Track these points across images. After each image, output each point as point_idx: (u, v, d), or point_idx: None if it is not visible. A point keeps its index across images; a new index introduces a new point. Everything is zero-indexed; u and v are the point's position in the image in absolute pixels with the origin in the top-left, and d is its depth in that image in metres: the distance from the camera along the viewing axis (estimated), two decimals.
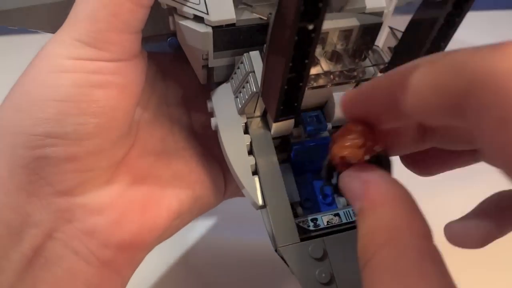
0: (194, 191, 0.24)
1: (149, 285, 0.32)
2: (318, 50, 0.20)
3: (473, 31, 0.60)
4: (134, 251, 0.22)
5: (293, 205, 0.21)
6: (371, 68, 0.20)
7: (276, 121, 0.19)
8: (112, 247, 0.21)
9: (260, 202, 0.21)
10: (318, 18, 0.14)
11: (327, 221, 0.21)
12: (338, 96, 0.21)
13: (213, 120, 0.22)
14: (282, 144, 0.23)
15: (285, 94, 0.17)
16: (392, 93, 0.14)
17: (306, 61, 0.15)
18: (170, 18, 0.21)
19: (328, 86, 0.20)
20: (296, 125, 0.22)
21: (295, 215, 0.21)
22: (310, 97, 0.21)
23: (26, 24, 0.27)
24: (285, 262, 0.19)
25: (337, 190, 0.19)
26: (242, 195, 0.27)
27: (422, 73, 0.13)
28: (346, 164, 0.18)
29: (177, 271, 0.33)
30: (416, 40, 0.16)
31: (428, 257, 0.13)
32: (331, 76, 0.20)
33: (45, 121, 0.18)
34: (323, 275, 0.18)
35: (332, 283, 0.18)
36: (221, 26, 0.20)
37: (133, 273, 0.23)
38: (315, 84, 0.20)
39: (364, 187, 0.15)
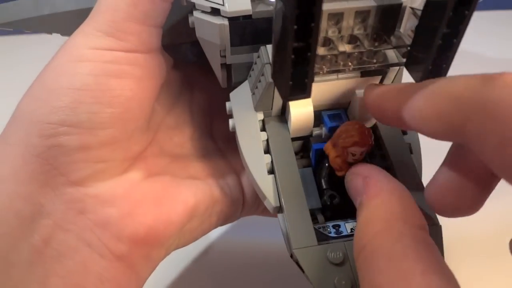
0: (212, 192, 0.23)
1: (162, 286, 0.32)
2: (335, 35, 0.19)
3: (474, 31, 0.60)
4: (149, 246, 0.21)
5: (314, 212, 0.20)
6: (393, 54, 0.19)
7: (287, 99, 0.18)
8: (126, 240, 0.20)
9: (275, 203, 0.19)
10: None
11: (351, 228, 0.19)
12: (362, 94, 0.20)
13: (231, 121, 0.22)
14: (303, 148, 0.22)
15: (293, 65, 0.15)
16: (398, 109, 0.16)
17: (312, 24, 0.14)
18: (190, 16, 0.22)
19: (347, 70, 0.19)
20: (316, 125, 0.21)
21: (315, 222, 0.19)
22: (331, 93, 0.21)
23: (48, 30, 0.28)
24: (300, 267, 0.17)
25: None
26: (260, 213, 0.27)
27: (423, 101, 0.15)
28: (346, 166, 0.19)
29: (190, 272, 0.33)
30: (433, 21, 0.16)
31: (423, 244, 0.14)
32: (349, 60, 0.19)
33: (60, 109, 0.19)
34: (343, 282, 0.16)
35: None
36: (237, 18, 0.20)
37: (150, 273, 0.22)
38: (332, 69, 0.19)
39: (364, 182, 0.16)
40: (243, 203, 0.25)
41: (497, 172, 0.14)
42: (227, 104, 0.23)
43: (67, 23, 0.26)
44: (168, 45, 0.25)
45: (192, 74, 0.27)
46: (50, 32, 0.28)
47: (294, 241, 0.18)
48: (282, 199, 0.19)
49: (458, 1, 0.15)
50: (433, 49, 0.16)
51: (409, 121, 0.16)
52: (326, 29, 0.19)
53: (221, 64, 0.23)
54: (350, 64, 0.19)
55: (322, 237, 0.18)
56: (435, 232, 0.18)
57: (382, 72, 0.20)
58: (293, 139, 0.21)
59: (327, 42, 0.19)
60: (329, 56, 0.18)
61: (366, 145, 0.18)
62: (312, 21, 0.14)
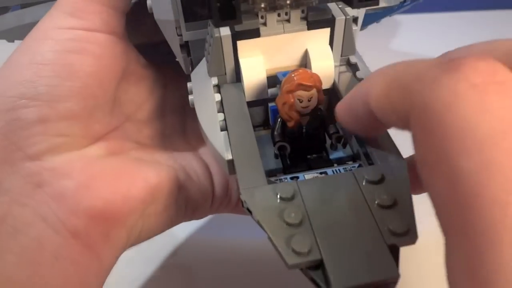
0: (177, 175, 0.23)
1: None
2: None
3: (473, 31, 0.59)
4: (107, 223, 0.20)
5: (276, 174, 0.19)
6: None
7: (217, 25, 0.18)
8: (82, 214, 0.19)
9: (227, 156, 0.18)
10: None
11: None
12: (315, 50, 0.20)
13: (190, 97, 0.22)
14: (267, 119, 0.22)
15: None
16: (365, 104, 0.16)
17: None
18: (148, 1, 0.22)
19: (285, 7, 0.18)
20: (273, 85, 0.21)
21: (273, 176, 0.18)
22: (282, 50, 0.20)
23: None
24: (249, 211, 0.16)
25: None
26: (233, 209, 0.26)
27: (379, 86, 0.15)
28: (295, 115, 0.18)
29: (169, 270, 0.32)
30: None
31: None
32: None
33: (19, 83, 0.19)
34: (292, 214, 0.15)
35: (303, 224, 0.15)
36: None
37: (114, 259, 0.21)
38: (270, 5, 0.18)
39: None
40: (213, 194, 0.24)
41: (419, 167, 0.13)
42: (188, 84, 0.23)
43: None
44: (145, 44, 0.26)
45: (167, 74, 0.27)
46: None
47: (242, 181, 0.16)
48: (233, 150, 0.18)
49: None
50: None
51: (376, 112, 0.15)
52: None
53: (181, 46, 0.23)
54: (288, 2, 0.18)
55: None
56: (401, 167, 0.16)
57: (329, 22, 0.20)
58: (252, 104, 0.21)
59: None
60: None
61: (311, 87, 0.18)
62: None
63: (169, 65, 0.27)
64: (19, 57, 0.20)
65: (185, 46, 0.23)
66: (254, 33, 0.19)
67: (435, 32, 0.58)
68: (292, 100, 0.18)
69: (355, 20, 0.23)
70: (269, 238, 0.15)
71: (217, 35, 0.19)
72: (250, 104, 0.21)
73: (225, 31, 0.19)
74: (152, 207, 0.22)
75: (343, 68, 0.22)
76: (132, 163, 0.22)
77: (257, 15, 0.19)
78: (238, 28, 0.19)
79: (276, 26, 0.20)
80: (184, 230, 0.34)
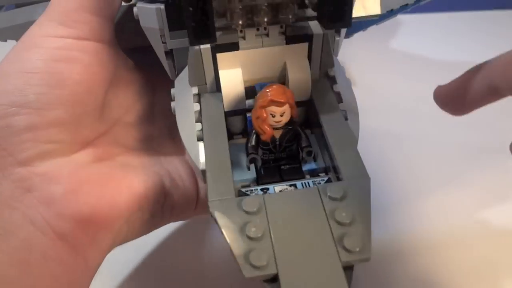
0: (163, 183, 0.23)
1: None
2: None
3: (473, 31, 0.59)
4: (93, 227, 0.21)
5: (249, 184, 0.20)
6: (309, 11, 0.19)
7: (192, 43, 0.18)
8: (69, 218, 0.20)
9: (202, 166, 0.19)
10: None
11: (280, 190, 0.18)
12: (293, 64, 0.21)
13: (172, 104, 0.22)
14: (246, 128, 0.22)
15: (192, 8, 0.16)
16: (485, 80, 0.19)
17: None
18: (134, 9, 0.22)
19: (263, 25, 0.19)
20: (251, 96, 0.21)
21: (246, 187, 0.19)
22: (261, 63, 0.21)
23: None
24: (215, 221, 0.17)
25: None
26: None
27: (504, 57, 0.18)
28: (269, 130, 0.19)
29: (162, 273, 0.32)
30: None
31: None
32: (262, 16, 0.19)
33: (10, 91, 0.20)
34: (254, 229, 0.15)
35: (263, 239, 0.15)
36: (172, 1, 0.20)
37: (99, 261, 0.22)
38: (247, 22, 0.19)
39: None
40: (197, 198, 0.25)
41: None
42: (172, 90, 0.23)
43: None
44: (132, 50, 0.27)
45: (156, 77, 0.27)
46: None
47: (211, 193, 0.17)
48: (207, 160, 0.19)
49: None
50: None
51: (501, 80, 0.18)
52: None
53: (166, 53, 0.23)
54: (265, 19, 0.19)
55: (244, 196, 0.18)
56: (364, 185, 0.17)
57: (307, 38, 0.20)
58: (231, 114, 0.21)
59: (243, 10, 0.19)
60: (240, 9, 0.19)
61: (283, 104, 0.18)
62: None
63: (157, 69, 0.27)
64: (9, 66, 0.21)
65: (169, 53, 0.23)
66: (233, 47, 0.20)
67: (435, 32, 0.58)
68: (265, 115, 0.18)
69: (337, 30, 0.23)
70: (230, 250, 0.15)
71: (196, 48, 0.20)
72: (229, 113, 0.21)
73: (205, 45, 0.20)
74: (138, 213, 0.22)
75: (322, 81, 0.22)
76: (118, 170, 0.22)
77: (236, 31, 0.20)
78: (218, 41, 0.19)
79: (255, 40, 0.20)
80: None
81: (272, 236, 0.16)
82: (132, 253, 0.31)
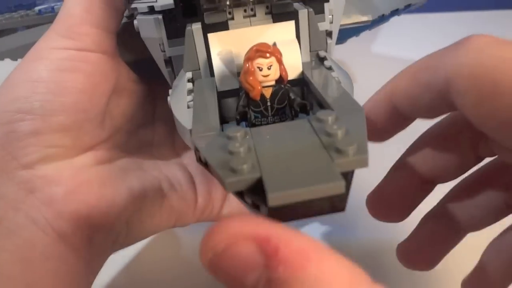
0: (161, 185, 0.24)
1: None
2: None
3: (473, 31, 0.59)
4: (92, 228, 0.22)
5: None
6: None
7: (184, 21, 0.19)
8: (68, 217, 0.21)
9: (190, 125, 0.17)
10: None
11: None
12: (282, 42, 0.20)
13: (168, 98, 0.22)
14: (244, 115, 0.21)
15: None
16: (389, 104, 0.19)
17: None
18: (134, 21, 0.24)
19: (249, 4, 0.20)
20: None
21: None
22: (250, 42, 0.20)
23: None
24: (200, 159, 0.15)
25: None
26: (215, 218, 0.27)
27: (404, 78, 0.18)
28: (256, 84, 0.18)
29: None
30: None
31: None
32: None
33: (16, 99, 0.21)
34: (237, 144, 0.14)
35: (246, 152, 0.13)
36: (170, 11, 0.22)
37: (100, 263, 0.23)
38: (234, 2, 0.19)
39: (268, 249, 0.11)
40: (196, 203, 0.26)
41: (477, 125, 0.16)
42: (170, 91, 0.23)
43: None
44: (136, 61, 0.28)
45: (157, 88, 0.28)
46: None
47: (195, 131, 0.16)
48: (193, 115, 0.17)
49: None
50: None
51: (401, 107, 0.18)
52: None
53: (165, 61, 0.24)
54: None
55: None
56: (358, 114, 0.16)
57: (292, 15, 0.21)
58: (225, 95, 0.21)
59: None
60: None
61: (269, 54, 0.18)
62: None
63: (158, 80, 0.28)
64: (16, 76, 0.22)
65: (169, 61, 0.24)
66: (223, 26, 0.20)
67: (435, 32, 0.59)
68: (252, 68, 0.18)
69: (329, 34, 0.24)
70: (209, 166, 0.14)
71: (188, 28, 0.20)
72: (223, 94, 0.21)
73: (196, 25, 0.20)
74: (136, 215, 0.23)
75: (314, 63, 0.22)
76: (118, 172, 0.23)
77: (225, 11, 0.20)
78: (207, 21, 0.20)
79: (243, 20, 0.21)
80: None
81: (257, 151, 0.14)
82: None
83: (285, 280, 0.10)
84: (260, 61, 0.18)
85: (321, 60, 0.22)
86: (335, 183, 0.12)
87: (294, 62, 0.20)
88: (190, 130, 0.17)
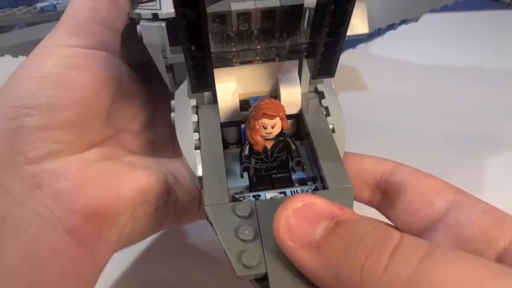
0: (166, 180, 0.24)
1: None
2: (245, 29, 0.21)
3: (473, 31, 0.60)
4: (100, 221, 0.22)
5: (243, 191, 0.21)
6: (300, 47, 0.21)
7: (194, 92, 0.20)
8: (77, 212, 0.21)
9: (199, 173, 0.20)
10: (200, 11, 0.16)
11: (270, 197, 0.20)
12: (284, 79, 0.22)
13: (172, 115, 0.23)
14: (241, 137, 0.23)
15: (193, 69, 0.19)
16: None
17: (203, 42, 0.17)
18: (138, 27, 0.24)
19: (255, 62, 0.21)
20: (245, 109, 0.22)
21: (239, 193, 0.21)
22: (255, 78, 0.22)
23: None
24: (211, 224, 0.18)
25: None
26: None
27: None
28: (261, 140, 0.20)
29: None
30: (321, 16, 0.18)
31: None
32: (256, 54, 0.21)
33: (24, 94, 0.21)
34: (246, 232, 0.17)
35: (254, 240, 0.17)
36: (173, 20, 0.22)
37: (107, 257, 0.23)
38: (242, 60, 0.21)
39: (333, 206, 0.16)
40: (200, 199, 0.26)
41: None
42: (172, 102, 0.24)
43: None
44: (137, 62, 0.28)
45: (158, 90, 0.29)
46: None
47: (207, 198, 0.19)
48: (203, 168, 0.20)
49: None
50: (319, 54, 0.18)
51: None
52: (237, 25, 0.21)
53: (166, 67, 0.25)
54: (258, 58, 0.21)
55: (237, 201, 0.19)
56: (347, 193, 0.19)
57: (297, 56, 0.21)
58: (227, 125, 0.22)
59: (239, 36, 0.21)
60: (236, 52, 0.20)
61: (274, 117, 0.19)
62: (202, 40, 0.17)
63: (158, 82, 0.29)
64: (23, 72, 0.22)
65: (170, 67, 0.25)
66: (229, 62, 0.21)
67: (435, 32, 0.59)
68: (257, 126, 0.20)
69: None
70: (224, 251, 0.17)
71: None
72: (225, 124, 0.22)
73: None
74: (142, 207, 0.23)
75: (312, 95, 0.24)
76: (124, 167, 0.24)
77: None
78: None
79: (249, 57, 0.21)
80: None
81: (263, 238, 0.17)
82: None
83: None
84: (265, 121, 0.20)
85: (320, 95, 0.23)
86: None
87: (294, 100, 0.22)
88: (199, 178, 0.20)
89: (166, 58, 0.24)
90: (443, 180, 0.22)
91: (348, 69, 0.52)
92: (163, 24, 0.22)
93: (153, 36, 0.23)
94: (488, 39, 0.58)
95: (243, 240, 0.17)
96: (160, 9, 0.22)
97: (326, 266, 0.15)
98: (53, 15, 0.32)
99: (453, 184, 0.21)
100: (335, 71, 0.20)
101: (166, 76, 0.25)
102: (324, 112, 0.23)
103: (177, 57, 0.23)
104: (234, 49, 0.20)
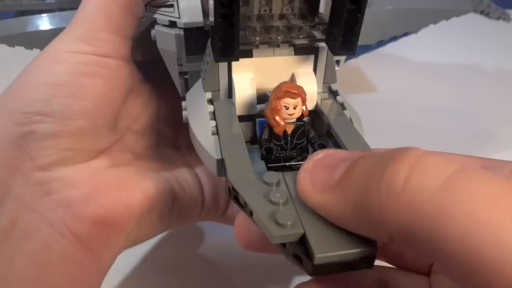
0: (172, 187, 0.25)
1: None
2: (266, 13, 0.21)
3: (473, 31, 0.61)
4: (109, 229, 0.22)
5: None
6: (317, 32, 0.21)
7: (217, 60, 0.19)
8: (86, 220, 0.21)
9: (217, 155, 0.19)
10: None
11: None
12: (300, 74, 0.22)
13: (184, 113, 0.23)
14: (255, 137, 0.23)
15: (221, 29, 0.18)
16: None
17: (233, 10, 0.17)
18: (152, 31, 0.24)
19: (277, 42, 0.21)
20: (261, 102, 0.22)
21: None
22: (271, 71, 0.22)
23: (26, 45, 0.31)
24: (236, 197, 0.17)
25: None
26: (219, 219, 0.28)
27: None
28: (282, 121, 0.19)
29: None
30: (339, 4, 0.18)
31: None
32: (277, 34, 0.21)
33: (35, 100, 0.21)
34: (278, 194, 0.16)
35: (287, 204, 0.16)
36: (191, 29, 0.22)
37: (112, 261, 0.23)
38: (264, 40, 0.21)
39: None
40: (202, 203, 0.27)
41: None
42: (183, 102, 0.24)
43: (48, 40, 0.29)
44: (140, 62, 0.28)
45: (160, 90, 0.29)
46: (31, 48, 0.31)
47: (231, 172, 0.18)
48: (223, 150, 0.19)
49: None
50: (342, 23, 0.18)
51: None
52: (259, 8, 0.21)
53: (179, 73, 0.24)
54: (279, 37, 0.21)
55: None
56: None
57: (313, 50, 0.22)
58: (242, 119, 0.22)
59: (260, 18, 0.21)
60: (259, 29, 0.21)
61: (296, 96, 0.19)
62: None
63: (162, 81, 0.28)
64: (33, 76, 0.22)
65: (183, 73, 0.25)
66: (248, 54, 0.21)
67: (442, 32, 0.60)
68: (279, 106, 0.19)
69: (337, 61, 0.25)
70: (253, 214, 0.16)
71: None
72: (240, 118, 0.22)
73: None
74: (148, 214, 0.24)
75: (325, 95, 0.24)
76: (133, 175, 0.24)
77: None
78: None
79: (267, 50, 0.21)
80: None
81: (295, 202, 0.16)
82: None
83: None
84: (287, 101, 0.19)
85: (333, 93, 0.23)
86: (370, 248, 0.15)
87: (311, 95, 0.22)
88: (218, 160, 0.19)
89: (181, 65, 0.24)
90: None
91: (349, 69, 0.53)
92: (182, 33, 0.22)
93: (169, 43, 0.23)
94: (485, 41, 0.60)
95: (275, 203, 0.16)
96: (179, 18, 0.22)
97: (346, 200, 0.14)
98: (54, 3, 0.31)
99: None
100: (356, 47, 0.19)
101: (178, 81, 0.25)
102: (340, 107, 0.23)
103: (193, 65, 0.24)
104: (257, 26, 0.20)
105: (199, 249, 0.34)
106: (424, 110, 0.48)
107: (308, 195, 0.15)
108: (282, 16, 0.21)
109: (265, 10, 0.21)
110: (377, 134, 0.42)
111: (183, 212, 0.26)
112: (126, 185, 0.23)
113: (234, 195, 0.17)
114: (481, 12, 0.41)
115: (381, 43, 0.36)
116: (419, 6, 0.34)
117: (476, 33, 0.60)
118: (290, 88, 0.19)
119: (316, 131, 0.22)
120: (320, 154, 0.16)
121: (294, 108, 0.19)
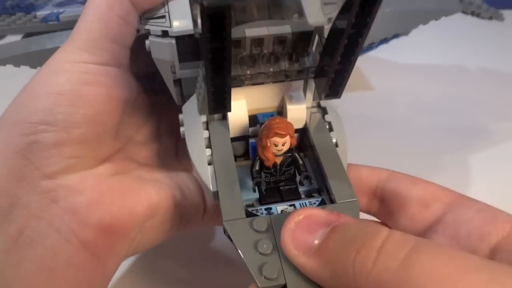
0: (174, 195, 0.25)
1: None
2: (258, 52, 0.22)
3: (473, 31, 0.62)
4: (113, 236, 0.23)
5: (252, 203, 0.22)
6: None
7: (211, 113, 0.21)
8: (92, 227, 0.22)
9: (213, 188, 0.22)
10: (225, 41, 0.17)
11: (281, 210, 0.21)
12: (291, 97, 0.24)
13: (181, 129, 0.24)
14: (248, 151, 0.25)
15: (213, 93, 0.19)
16: None
17: (225, 70, 0.18)
18: (146, 41, 0.25)
19: (266, 83, 0.22)
20: (253, 124, 0.24)
21: (251, 207, 0.22)
22: (264, 96, 0.23)
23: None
24: (230, 239, 0.19)
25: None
26: (221, 223, 0.29)
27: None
28: (272, 157, 0.21)
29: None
30: (333, 46, 0.19)
31: None
32: (267, 77, 0.22)
33: (40, 110, 0.22)
34: (265, 245, 0.19)
35: (272, 254, 0.19)
36: (183, 37, 0.23)
37: (116, 267, 0.24)
38: (253, 82, 0.22)
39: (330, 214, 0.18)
40: (204, 209, 0.27)
41: None
42: (180, 116, 0.25)
43: None
44: (138, 75, 0.29)
45: (161, 101, 0.30)
46: (35, 67, 0.32)
47: (225, 214, 0.20)
48: (218, 183, 0.21)
49: (351, 34, 0.18)
50: (335, 64, 0.20)
51: None
52: (250, 49, 0.22)
53: (174, 81, 0.26)
54: (268, 79, 0.22)
55: (251, 215, 0.20)
56: (353, 205, 0.20)
57: (305, 77, 0.23)
58: (235, 139, 0.24)
59: (251, 59, 0.22)
60: (248, 71, 0.22)
61: (285, 136, 0.21)
62: (223, 68, 0.18)
63: (162, 93, 0.29)
64: (38, 87, 0.23)
65: (178, 81, 0.26)
66: (239, 83, 0.22)
67: (434, 32, 0.61)
68: (269, 144, 0.21)
69: None
70: (247, 265, 0.18)
71: None
72: (234, 139, 0.24)
73: None
74: (151, 222, 0.24)
75: (314, 109, 0.25)
76: (136, 182, 0.25)
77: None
78: None
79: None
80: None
81: (280, 251, 0.18)
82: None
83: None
84: (276, 140, 0.21)
85: (322, 110, 0.25)
86: None
87: (300, 116, 0.24)
88: (213, 193, 0.21)
89: (175, 73, 0.25)
90: (437, 184, 0.23)
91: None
92: (173, 41, 0.23)
93: (162, 52, 0.24)
94: (475, 40, 0.62)
95: (262, 254, 0.18)
96: (171, 27, 0.23)
97: (324, 267, 0.17)
98: (56, 25, 0.33)
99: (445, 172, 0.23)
100: (342, 93, 0.21)
101: (173, 90, 0.26)
102: (327, 127, 0.24)
103: (186, 73, 0.25)
104: (248, 72, 0.21)
105: (203, 251, 0.34)
106: (415, 107, 0.50)
107: (291, 255, 0.18)
108: (272, 55, 0.22)
109: (256, 50, 0.22)
110: (370, 130, 0.44)
111: (185, 218, 0.27)
112: (130, 192, 0.24)
113: (228, 236, 0.20)
114: (472, 13, 0.41)
115: (371, 46, 0.36)
116: (407, 8, 0.35)
117: (465, 32, 0.61)
118: (279, 130, 0.21)
119: (304, 146, 0.24)
120: (300, 216, 0.18)
121: (283, 145, 0.21)
